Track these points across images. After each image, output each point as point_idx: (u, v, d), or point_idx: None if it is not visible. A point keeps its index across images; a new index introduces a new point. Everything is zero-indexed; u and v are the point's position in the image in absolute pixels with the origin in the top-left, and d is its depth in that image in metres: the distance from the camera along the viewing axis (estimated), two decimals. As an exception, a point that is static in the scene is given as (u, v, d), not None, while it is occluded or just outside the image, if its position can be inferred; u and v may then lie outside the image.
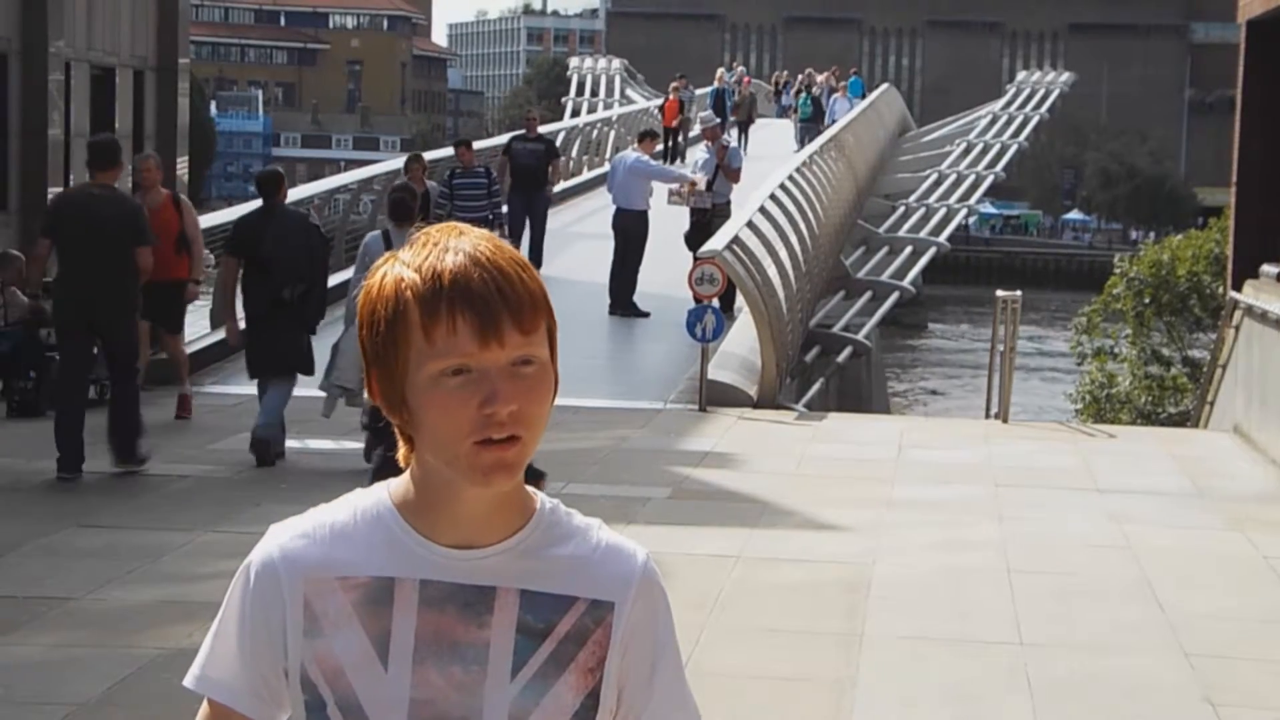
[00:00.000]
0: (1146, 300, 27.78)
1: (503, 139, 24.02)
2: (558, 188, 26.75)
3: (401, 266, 1.91)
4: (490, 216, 20.00)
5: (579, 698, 1.95)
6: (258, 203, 13.00)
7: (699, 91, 41.57)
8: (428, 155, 21.96)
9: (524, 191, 21.72)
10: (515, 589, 1.94)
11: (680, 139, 35.73)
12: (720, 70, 43.64)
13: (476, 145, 22.76)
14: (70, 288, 11.20)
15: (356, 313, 1.96)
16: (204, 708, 2.02)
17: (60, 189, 18.79)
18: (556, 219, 29.55)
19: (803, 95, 41.42)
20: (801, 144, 38.85)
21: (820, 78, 43.94)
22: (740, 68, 51.78)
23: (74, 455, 11.16)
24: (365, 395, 8.47)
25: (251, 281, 12.12)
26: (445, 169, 21.84)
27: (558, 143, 34.41)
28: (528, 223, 21.75)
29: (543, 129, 36.12)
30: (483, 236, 1.92)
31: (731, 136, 32.06)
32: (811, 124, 39.69)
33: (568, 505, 2.03)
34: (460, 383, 1.87)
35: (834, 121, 36.88)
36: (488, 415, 1.86)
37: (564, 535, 1.98)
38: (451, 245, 1.90)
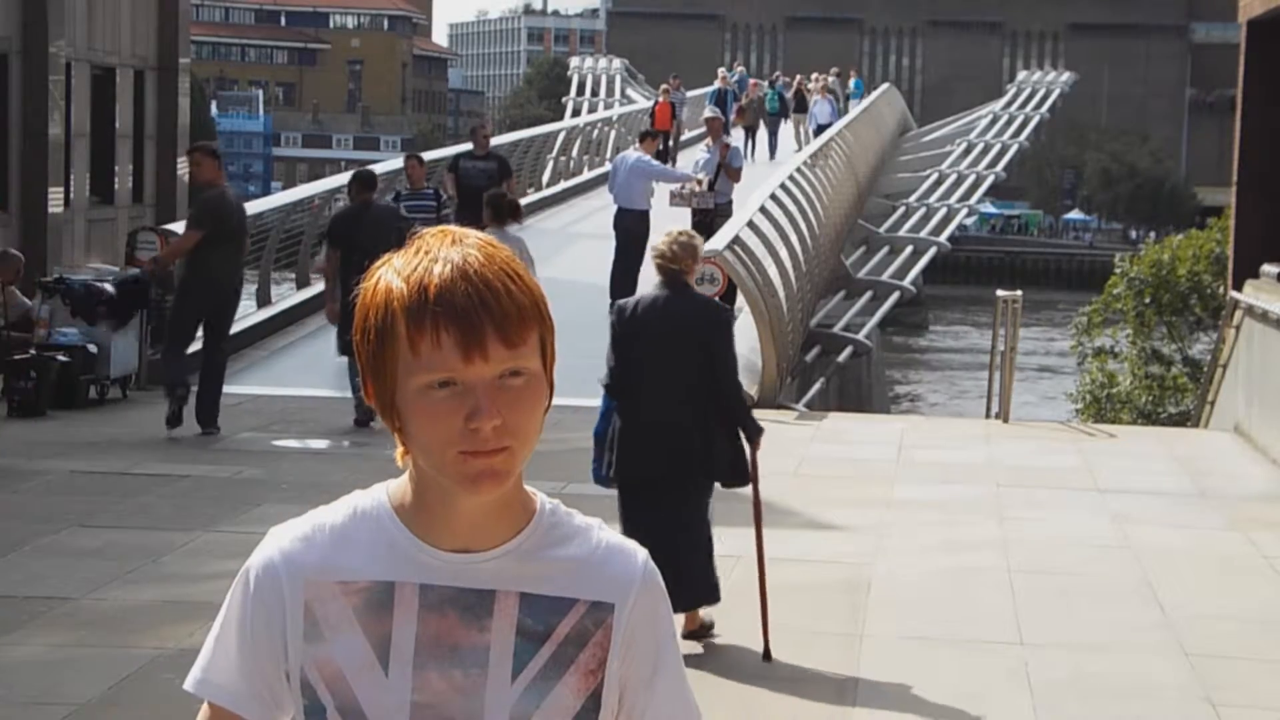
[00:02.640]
0: (1147, 300, 27.76)
1: (459, 149, 23.11)
2: None
3: (393, 274, 1.90)
4: None
5: (580, 700, 1.94)
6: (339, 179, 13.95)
7: (695, 93, 41.31)
8: (426, 156, 21.73)
9: (472, 213, 20.04)
10: (515, 592, 1.94)
11: (673, 143, 34.57)
12: (721, 70, 43.55)
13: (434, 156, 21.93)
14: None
15: None
16: (204, 710, 2.02)
17: (58, 188, 18.81)
18: (556, 219, 29.63)
19: (769, 92, 41.12)
20: (772, 137, 38.68)
21: (815, 78, 43.87)
22: (740, 68, 51.71)
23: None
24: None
25: (349, 269, 13.15)
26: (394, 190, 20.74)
27: (557, 142, 34.30)
28: None
29: (541, 130, 36.05)
30: (476, 245, 1.90)
31: (735, 138, 31.89)
32: (775, 119, 39.49)
33: (568, 505, 2.02)
34: (447, 395, 1.86)
35: (815, 123, 36.76)
36: (473, 430, 1.85)
37: (564, 536, 1.98)
38: (442, 255, 1.89)
